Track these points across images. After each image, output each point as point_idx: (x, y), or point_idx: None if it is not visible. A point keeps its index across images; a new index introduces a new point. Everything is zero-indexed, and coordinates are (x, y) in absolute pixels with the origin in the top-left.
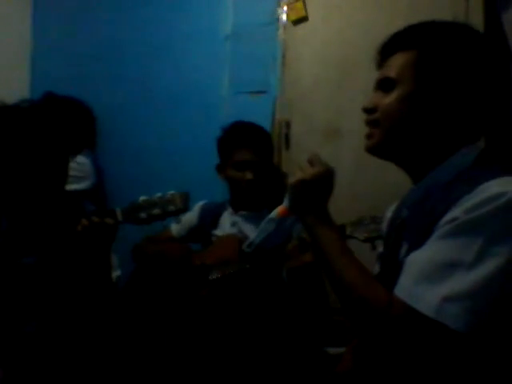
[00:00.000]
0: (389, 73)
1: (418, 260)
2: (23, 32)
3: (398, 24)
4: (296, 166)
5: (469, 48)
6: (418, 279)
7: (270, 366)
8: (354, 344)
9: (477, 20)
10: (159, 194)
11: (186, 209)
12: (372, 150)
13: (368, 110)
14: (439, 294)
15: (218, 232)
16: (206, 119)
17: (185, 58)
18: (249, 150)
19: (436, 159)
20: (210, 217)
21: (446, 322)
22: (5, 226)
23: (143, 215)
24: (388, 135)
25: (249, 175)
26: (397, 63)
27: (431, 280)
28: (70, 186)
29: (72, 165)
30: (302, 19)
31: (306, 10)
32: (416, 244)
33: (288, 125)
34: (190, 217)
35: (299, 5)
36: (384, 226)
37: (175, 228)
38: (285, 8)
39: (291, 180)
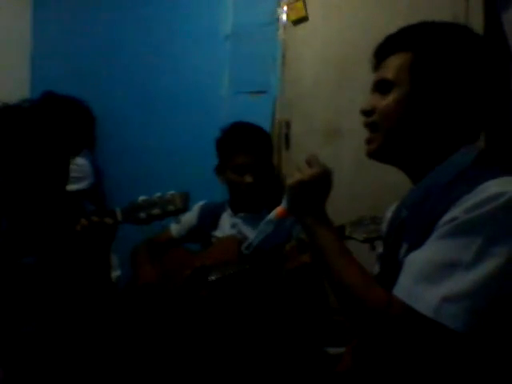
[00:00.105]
0: (385, 74)
1: (417, 260)
2: (23, 32)
3: (398, 24)
4: (295, 167)
5: (464, 48)
6: (417, 279)
7: (270, 366)
8: (354, 344)
9: (477, 20)
10: (159, 194)
11: (185, 209)
12: (373, 155)
13: (366, 113)
14: (438, 294)
15: (218, 233)
16: (206, 119)
17: (185, 58)
18: (248, 154)
19: (435, 159)
20: (210, 217)
21: (445, 322)
22: (5, 225)
23: (143, 215)
24: (387, 138)
25: (248, 179)
26: (393, 65)
27: (430, 280)
28: (70, 187)
29: (71, 166)
30: (302, 19)
31: (306, 10)
32: (416, 244)
33: (288, 125)
34: (190, 217)
35: (299, 5)
36: (384, 226)
37: (175, 228)
38: (285, 8)
39: (289, 181)
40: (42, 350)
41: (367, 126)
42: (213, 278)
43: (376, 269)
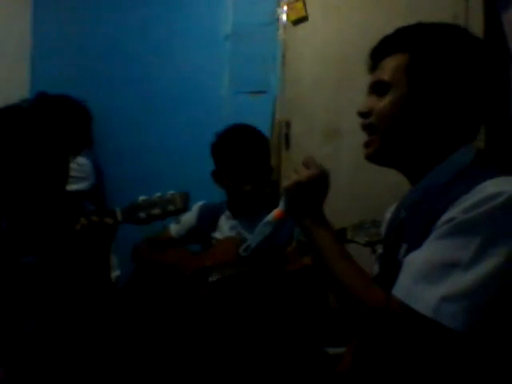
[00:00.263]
0: (382, 76)
1: (416, 260)
2: (23, 32)
3: (398, 24)
4: (294, 167)
5: (460, 49)
6: (416, 279)
7: (270, 366)
8: (354, 344)
9: (477, 20)
10: (159, 194)
11: (185, 209)
12: (371, 158)
13: (363, 114)
14: (437, 294)
15: (218, 235)
16: (206, 119)
17: (185, 58)
18: (246, 161)
19: (433, 160)
20: (209, 218)
21: (443, 322)
22: (5, 225)
23: (143, 215)
24: (385, 141)
25: (247, 187)
26: (389, 66)
27: (429, 280)
28: (70, 187)
29: (72, 166)
30: (302, 19)
31: (306, 10)
32: (415, 244)
33: (288, 125)
34: (189, 217)
35: (299, 5)
36: (383, 227)
37: (174, 228)
38: (285, 8)
39: (286, 182)
40: (42, 349)
41: (364, 127)
42: (213, 278)
43: (376, 269)
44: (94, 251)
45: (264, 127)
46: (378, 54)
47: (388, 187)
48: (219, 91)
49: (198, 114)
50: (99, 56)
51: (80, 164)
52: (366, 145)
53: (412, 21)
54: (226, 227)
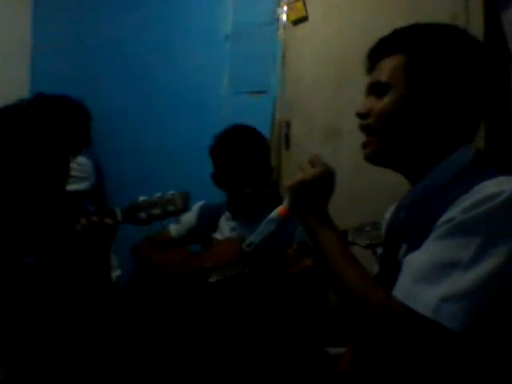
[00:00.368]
0: (380, 77)
1: (415, 260)
2: (23, 32)
3: (398, 24)
4: (296, 167)
5: (458, 49)
6: (415, 279)
7: (271, 366)
8: (354, 344)
9: (477, 20)
10: (159, 194)
11: (185, 209)
12: (370, 159)
13: (361, 115)
14: (437, 294)
15: (218, 235)
16: (206, 119)
17: (185, 58)
18: (246, 164)
19: (432, 161)
20: (209, 218)
21: (443, 322)
22: (5, 225)
23: (143, 215)
24: (383, 141)
25: (248, 190)
26: (387, 67)
27: (429, 280)
28: (71, 187)
29: (73, 165)
30: (302, 19)
31: (306, 10)
32: (415, 244)
33: (288, 125)
34: (189, 218)
35: (299, 5)
36: (383, 227)
37: (174, 228)
38: (285, 8)
39: (291, 180)
40: (42, 349)
41: (363, 128)
42: (213, 279)
43: (376, 269)
44: (94, 251)
45: (264, 127)
46: (376, 54)
47: (388, 187)
48: (219, 91)
49: (198, 114)
50: (99, 56)
51: (80, 164)
52: (364, 145)
53: (412, 21)
54: (226, 228)
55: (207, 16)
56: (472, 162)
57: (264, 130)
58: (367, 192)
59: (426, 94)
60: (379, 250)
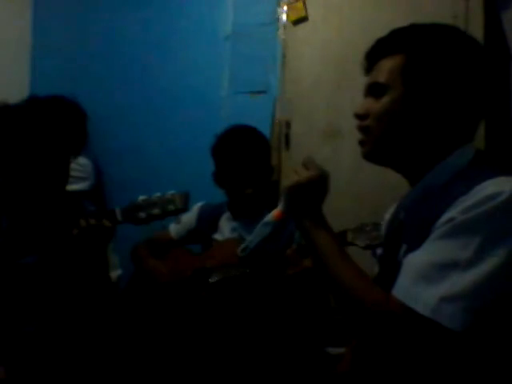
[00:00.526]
0: (378, 78)
1: (415, 261)
2: (23, 32)
3: (399, 24)
4: (291, 169)
5: (456, 49)
6: (415, 279)
7: (271, 367)
8: (354, 344)
9: (477, 20)
10: (159, 194)
11: (185, 209)
12: (367, 157)
13: (360, 116)
14: (436, 294)
15: (218, 236)
16: (205, 119)
17: (185, 58)
18: (247, 164)
19: (432, 161)
20: (209, 219)
21: (443, 322)
22: (5, 225)
23: (143, 215)
24: (379, 141)
25: (248, 190)
26: (385, 68)
27: (429, 280)
28: (71, 187)
29: (73, 166)
30: (302, 19)
31: (306, 10)
32: (414, 245)
33: (288, 125)
34: (189, 218)
35: (299, 5)
36: (383, 228)
37: (174, 229)
38: (285, 8)
39: (286, 183)
40: (42, 349)
41: (361, 129)
42: (213, 279)
43: (376, 269)
44: (92, 252)
45: (264, 127)
46: (374, 55)
47: (388, 187)
48: (219, 91)
49: (198, 114)
50: (99, 56)
51: (80, 164)
52: (361, 143)
53: (413, 21)
54: (226, 229)
55: (207, 16)
56: (472, 162)
57: (264, 129)
58: (367, 192)
59: (424, 95)
60: (379, 251)
